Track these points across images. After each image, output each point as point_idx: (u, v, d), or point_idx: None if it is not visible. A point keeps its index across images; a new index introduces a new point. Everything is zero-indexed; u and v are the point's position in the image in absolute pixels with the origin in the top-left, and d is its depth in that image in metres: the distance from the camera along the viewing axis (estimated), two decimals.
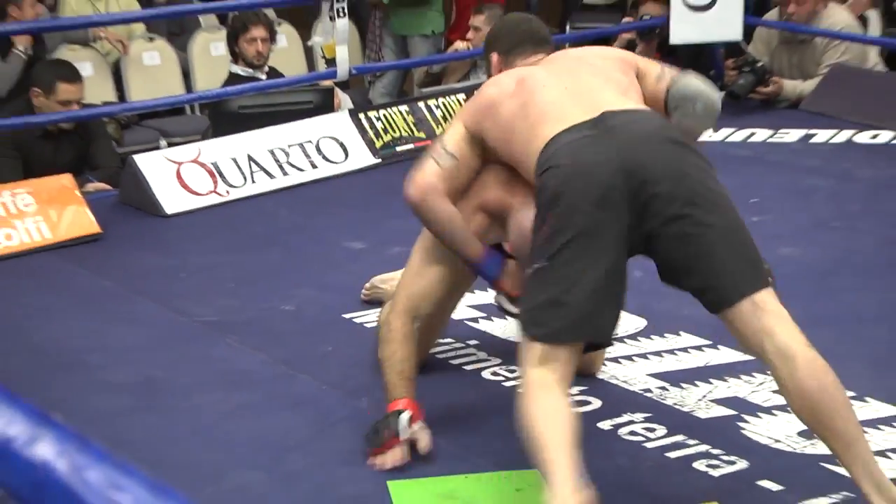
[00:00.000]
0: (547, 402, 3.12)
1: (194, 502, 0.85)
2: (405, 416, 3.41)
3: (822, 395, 3.07)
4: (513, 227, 3.55)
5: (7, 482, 1.01)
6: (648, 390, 3.90)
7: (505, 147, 3.48)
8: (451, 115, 6.29)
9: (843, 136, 6.49)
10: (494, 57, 3.81)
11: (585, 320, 3.12)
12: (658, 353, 4.15)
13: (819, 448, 3.32)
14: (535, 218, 3.24)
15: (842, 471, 3.07)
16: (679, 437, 3.54)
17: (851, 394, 3.34)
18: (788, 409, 3.21)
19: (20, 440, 1.02)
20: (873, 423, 3.62)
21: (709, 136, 5.93)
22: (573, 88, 3.46)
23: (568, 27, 10.37)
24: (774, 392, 3.60)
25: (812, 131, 6.56)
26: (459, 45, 7.85)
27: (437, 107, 6.40)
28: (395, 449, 3.38)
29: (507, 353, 4.06)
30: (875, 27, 8.35)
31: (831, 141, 6.46)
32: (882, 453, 3.36)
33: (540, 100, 3.42)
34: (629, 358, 4.16)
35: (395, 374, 3.53)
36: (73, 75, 6.09)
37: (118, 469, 0.96)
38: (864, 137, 6.46)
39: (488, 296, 4.11)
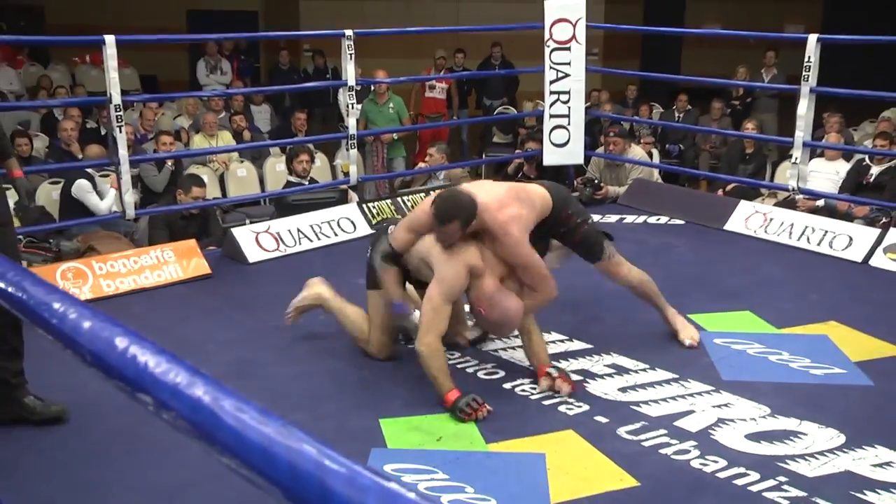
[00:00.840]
0: None
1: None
2: (464, 398, 3.43)
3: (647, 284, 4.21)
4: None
5: (177, 408, 0.93)
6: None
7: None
8: (413, 205, 6.31)
9: (641, 219, 6.51)
10: (456, 225, 3.52)
11: None
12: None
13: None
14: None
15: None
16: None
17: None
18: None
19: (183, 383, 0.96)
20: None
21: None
22: None
23: (484, 155, 10.49)
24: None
25: (624, 216, 6.57)
26: (421, 164, 7.92)
27: (408, 200, 6.41)
28: (480, 409, 3.44)
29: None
30: (657, 158, 8.51)
31: (635, 222, 6.47)
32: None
33: None
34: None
35: (443, 376, 3.51)
36: (200, 183, 6.16)
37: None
38: (652, 220, 6.48)
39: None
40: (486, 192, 3.72)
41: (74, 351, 1.06)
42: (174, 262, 5.16)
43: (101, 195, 6.44)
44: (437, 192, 3.82)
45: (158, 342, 3.66)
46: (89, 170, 6.50)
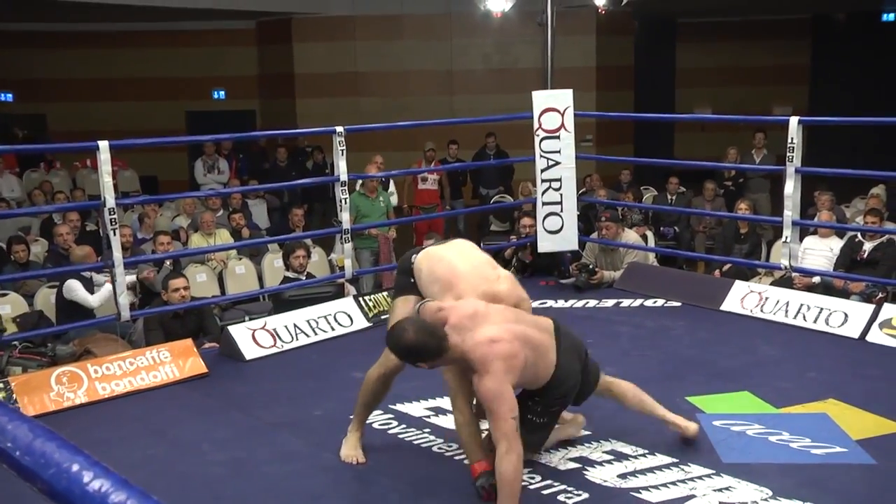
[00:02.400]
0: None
1: None
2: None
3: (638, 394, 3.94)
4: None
5: None
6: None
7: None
8: None
9: (637, 302, 6.51)
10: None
11: None
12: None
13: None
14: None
15: None
16: None
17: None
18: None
19: (111, 494, 0.93)
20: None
21: (556, 303, 6.01)
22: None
23: (482, 244, 10.51)
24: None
25: (620, 300, 6.57)
26: None
27: None
28: None
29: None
30: (651, 242, 8.55)
31: (631, 305, 6.47)
32: None
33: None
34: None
35: (475, 444, 3.45)
36: (176, 276, 6.19)
37: None
38: (648, 303, 6.49)
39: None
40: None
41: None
42: (170, 363, 5.15)
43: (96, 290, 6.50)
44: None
45: (153, 443, 3.66)
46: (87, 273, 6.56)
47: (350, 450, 3.90)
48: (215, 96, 16.22)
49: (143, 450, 4.10)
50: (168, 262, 7.60)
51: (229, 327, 5.68)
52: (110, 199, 5.36)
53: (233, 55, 15.80)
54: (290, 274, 6.92)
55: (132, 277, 6.51)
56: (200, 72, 15.69)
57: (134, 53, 15.56)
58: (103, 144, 5.31)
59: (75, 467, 0.94)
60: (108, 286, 6.37)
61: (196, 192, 11.42)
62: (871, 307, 5.73)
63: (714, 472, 3.68)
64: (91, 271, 6.58)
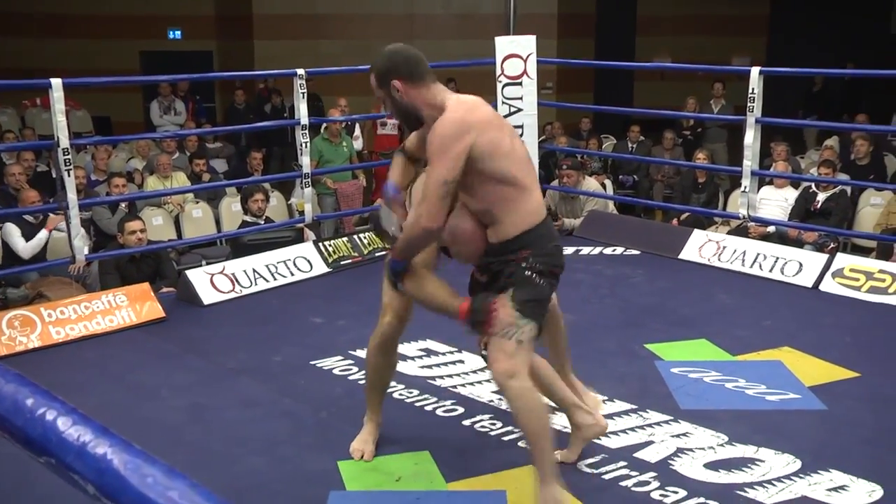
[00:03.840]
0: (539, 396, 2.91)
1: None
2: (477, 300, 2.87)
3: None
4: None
5: (81, 470, 0.93)
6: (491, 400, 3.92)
7: (490, 164, 2.78)
8: (372, 243, 6.31)
9: (597, 250, 6.55)
10: (398, 83, 2.89)
11: None
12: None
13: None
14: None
15: None
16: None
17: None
18: None
19: (90, 443, 0.95)
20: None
21: None
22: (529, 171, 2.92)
23: None
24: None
25: (580, 248, 6.60)
26: (379, 201, 7.87)
27: (365, 238, 6.38)
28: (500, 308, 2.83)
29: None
30: (610, 189, 8.57)
31: (591, 253, 6.51)
32: None
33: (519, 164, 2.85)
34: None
35: (446, 293, 2.97)
36: (132, 217, 6.09)
37: (149, 462, 0.91)
38: (608, 251, 6.52)
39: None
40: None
41: None
42: (127, 307, 5.08)
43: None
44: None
45: (111, 389, 3.59)
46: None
47: (360, 443, 3.45)
48: (171, 36, 15.83)
49: (100, 395, 4.04)
50: (123, 205, 7.46)
51: (187, 272, 5.61)
52: (64, 140, 5.21)
53: None
54: (248, 218, 6.85)
55: (44, 232, 6.33)
56: (155, 10, 15.28)
57: None
58: (56, 82, 5.15)
59: (51, 414, 0.90)
60: (43, 235, 6.24)
61: (152, 133, 11.20)
62: (824, 257, 5.81)
63: (672, 418, 3.72)
64: (40, 214, 6.42)
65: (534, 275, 2.87)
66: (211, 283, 5.49)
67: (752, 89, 6.05)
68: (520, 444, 3.51)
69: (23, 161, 8.26)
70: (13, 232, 6.30)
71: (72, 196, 5.29)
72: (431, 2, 14.90)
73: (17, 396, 0.90)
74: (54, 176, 8.03)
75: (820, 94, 13.47)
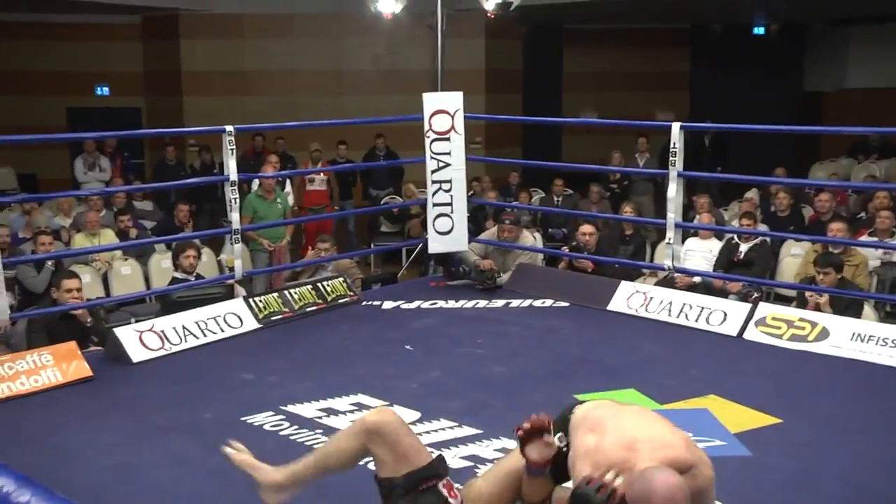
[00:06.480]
0: None
1: None
2: None
3: None
4: None
5: None
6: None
7: None
8: (303, 298, 6.29)
9: (526, 303, 6.58)
10: None
11: None
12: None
13: None
14: None
15: None
16: None
17: None
18: None
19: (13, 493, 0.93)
20: None
21: (446, 303, 6.07)
22: None
23: (372, 245, 10.52)
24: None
25: (510, 300, 6.63)
26: (309, 255, 7.88)
27: (296, 293, 6.35)
28: None
29: None
30: (539, 243, 8.71)
31: (521, 305, 6.54)
32: None
33: None
34: None
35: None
36: (72, 276, 5.99)
37: None
38: (538, 303, 6.56)
39: None
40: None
41: None
42: (53, 366, 4.95)
43: None
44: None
45: (31, 451, 3.51)
46: None
47: (241, 455, 3.29)
48: (98, 92, 15.71)
49: (20, 457, 3.91)
50: (49, 263, 7.33)
51: (115, 329, 5.50)
52: None
53: (117, 50, 15.33)
54: (178, 274, 6.78)
55: None
56: (83, 66, 15.16)
57: (11, 46, 14.88)
58: None
59: None
60: None
61: (77, 190, 11.06)
62: (747, 306, 5.97)
63: None
64: None
65: None
66: (140, 340, 5.39)
67: (674, 144, 6.24)
68: None
69: None
70: None
71: None
72: (359, 58, 15.07)
73: None
74: None
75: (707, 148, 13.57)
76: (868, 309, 6.27)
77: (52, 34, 14.97)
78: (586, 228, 7.28)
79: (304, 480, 3.17)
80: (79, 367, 5.03)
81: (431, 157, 7.04)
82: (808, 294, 6.18)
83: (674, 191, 6.31)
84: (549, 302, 6.59)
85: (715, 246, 7.67)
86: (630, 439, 2.60)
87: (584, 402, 2.98)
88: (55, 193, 9.70)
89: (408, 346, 5.35)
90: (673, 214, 6.37)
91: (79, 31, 15.01)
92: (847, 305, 6.04)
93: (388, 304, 6.55)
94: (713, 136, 13.08)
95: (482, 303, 6.61)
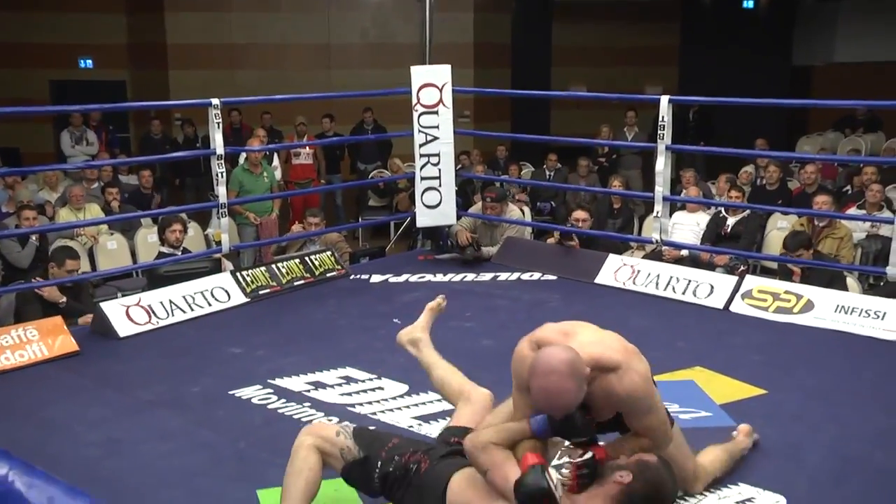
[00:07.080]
0: None
1: None
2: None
3: None
4: None
5: None
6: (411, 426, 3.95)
7: None
8: (291, 272, 6.30)
9: (514, 276, 6.62)
10: None
11: None
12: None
13: None
14: None
15: None
16: None
17: None
18: None
19: None
20: None
21: (434, 277, 6.07)
22: None
23: (360, 219, 10.49)
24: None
25: (498, 274, 6.66)
26: (295, 229, 7.88)
27: (283, 267, 6.36)
28: None
29: None
30: (528, 216, 8.72)
31: (509, 279, 6.58)
32: None
33: None
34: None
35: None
36: (74, 255, 6.00)
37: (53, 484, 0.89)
38: (525, 276, 6.60)
39: None
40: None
41: None
42: (38, 341, 4.95)
43: None
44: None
45: (18, 426, 3.52)
46: None
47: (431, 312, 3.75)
48: (82, 65, 15.56)
49: (7, 433, 3.92)
50: (34, 238, 7.30)
51: (102, 304, 5.49)
52: None
53: (101, 22, 15.16)
54: (165, 249, 6.77)
55: None
56: (65, 38, 15.00)
57: None
58: None
59: None
60: None
61: (63, 164, 11.00)
62: (734, 279, 6.01)
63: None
64: None
65: None
66: (127, 315, 5.40)
67: (662, 117, 6.24)
68: None
69: None
70: None
71: None
72: (347, 32, 14.98)
73: None
74: None
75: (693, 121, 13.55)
76: (852, 281, 6.33)
77: (34, 5, 14.78)
78: (579, 215, 7.20)
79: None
80: (65, 342, 5.04)
81: (419, 131, 7.04)
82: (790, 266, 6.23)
83: (662, 164, 6.32)
84: (536, 275, 6.62)
85: (702, 219, 7.70)
86: (570, 329, 2.89)
87: None
88: (39, 167, 9.63)
89: (396, 320, 5.35)
90: (661, 188, 6.38)
91: (61, 2, 14.83)
92: (832, 278, 6.08)
93: (376, 278, 6.56)
94: (697, 111, 13.11)
95: (470, 276, 6.63)
